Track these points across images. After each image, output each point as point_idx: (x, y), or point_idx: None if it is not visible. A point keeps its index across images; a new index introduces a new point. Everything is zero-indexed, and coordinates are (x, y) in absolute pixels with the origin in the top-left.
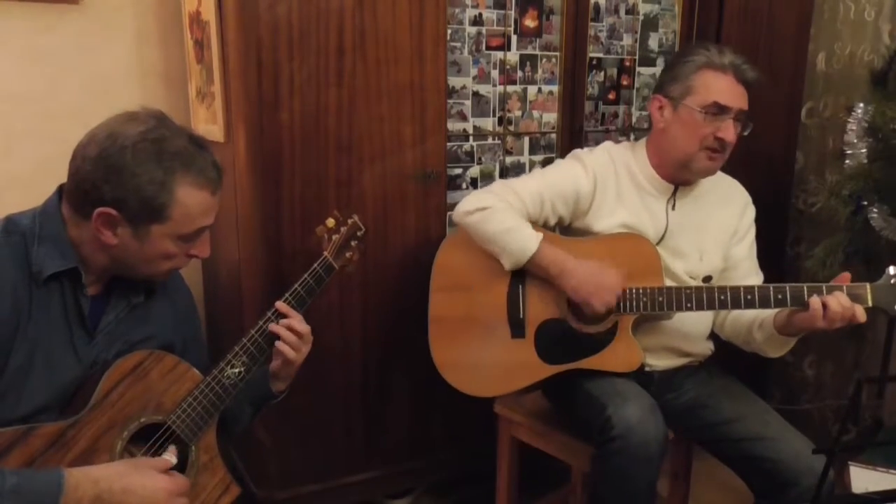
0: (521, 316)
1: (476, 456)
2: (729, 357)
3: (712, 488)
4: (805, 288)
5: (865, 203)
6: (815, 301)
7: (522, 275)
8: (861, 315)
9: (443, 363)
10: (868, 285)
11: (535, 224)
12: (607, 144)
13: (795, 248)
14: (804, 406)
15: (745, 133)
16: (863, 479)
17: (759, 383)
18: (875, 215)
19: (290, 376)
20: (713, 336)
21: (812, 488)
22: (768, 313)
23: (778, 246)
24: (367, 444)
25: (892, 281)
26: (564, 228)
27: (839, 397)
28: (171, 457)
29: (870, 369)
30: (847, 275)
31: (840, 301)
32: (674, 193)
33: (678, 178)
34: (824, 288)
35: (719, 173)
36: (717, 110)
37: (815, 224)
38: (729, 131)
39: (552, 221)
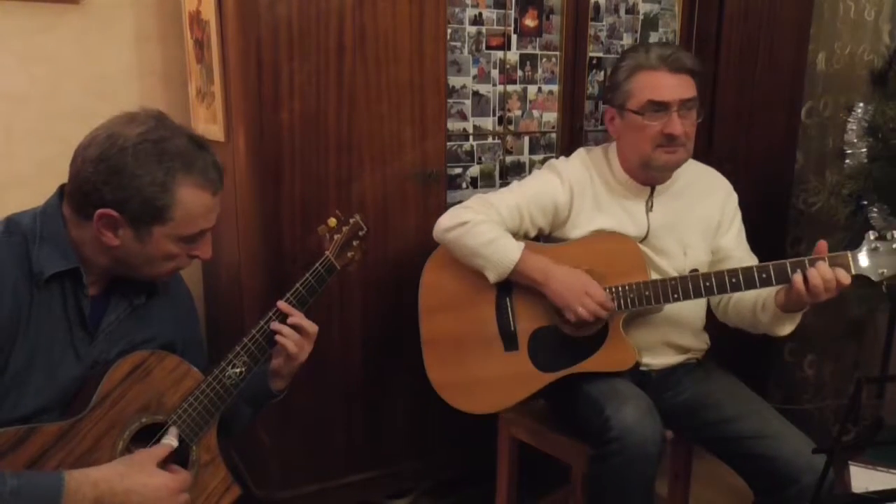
0: (513, 329)
1: (476, 456)
2: (727, 355)
3: (712, 488)
4: (788, 264)
5: (865, 203)
6: (797, 277)
7: (508, 287)
8: (845, 278)
9: (440, 384)
10: (849, 253)
11: (516, 235)
12: (581, 152)
13: (795, 248)
14: (804, 406)
15: (699, 120)
16: (863, 479)
17: (758, 383)
18: (875, 215)
19: (291, 375)
20: (710, 330)
21: (812, 485)
22: (768, 293)
23: (778, 246)
24: (367, 444)
25: (873, 247)
26: (545, 238)
27: (839, 397)
28: (172, 440)
29: (870, 369)
30: (823, 243)
31: (821, 272)
32: (651, 194)
33: (650, 178)
34: (806, 261)
35: (697, 164)
36: (656, 108)
37: (815, 224)
38: (675, 125)
39: (532, 233)
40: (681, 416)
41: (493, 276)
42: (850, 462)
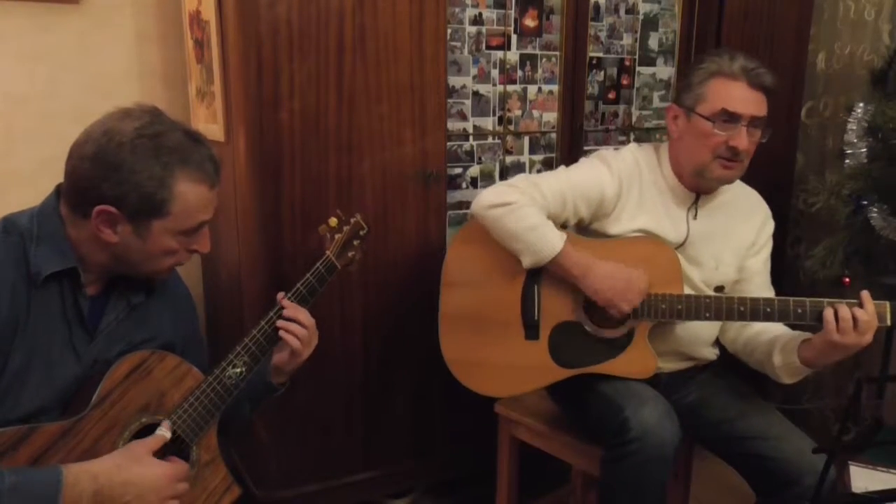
0: (536, 317)
1: (476, 456)
2: (731, 357)
3: (712, 488)
4: (825, 303)
5: (865, 203)
6: (828, 312)
7: (538, 274)
8: (883, 321)
9: (453, 360)
10: (888, 304)
11: (555, 223)
12: (632, 147)
13: (795, 249)
14: (804, 406)
15: (764, 140)
16: (863, 478)
17: (759, 383)
18: (875, 215)
19: (293, 370)
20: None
21: (813, 486)
22: (789, 339)
23: (778, 246)
24: (367, 444)
25: None
26: (581, 228)
27: (839, 397)
28: (165, 431)
29: (870, 369)
30: (867, 293)
31: (855, 313)
32: (695, 202)
33: (698, 186)
34: (845, 304)
35: (741, 184)
36: (728, 118)
37: (815, 224)
38: (741, 139)
39: (572, 221)
40: (686, 417)
41: (528, 262)
42: (850, 462)
